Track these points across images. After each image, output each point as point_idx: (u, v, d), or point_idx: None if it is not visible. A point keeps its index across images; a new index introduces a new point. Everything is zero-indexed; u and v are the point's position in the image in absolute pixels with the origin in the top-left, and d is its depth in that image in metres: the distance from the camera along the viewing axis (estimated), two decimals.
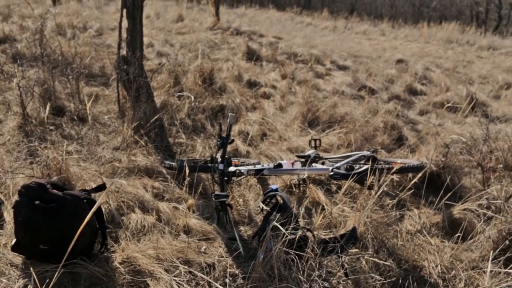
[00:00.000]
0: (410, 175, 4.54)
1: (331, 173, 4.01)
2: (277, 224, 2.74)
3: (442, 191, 3.96)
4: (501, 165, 4.73)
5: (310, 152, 4.55)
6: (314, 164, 4.37)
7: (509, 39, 23.17)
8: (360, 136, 5.34)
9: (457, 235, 3.57)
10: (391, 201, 3.92)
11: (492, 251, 3.17)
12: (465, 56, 15.12)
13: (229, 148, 4.93)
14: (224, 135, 3.84)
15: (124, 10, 5.61)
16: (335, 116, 5.99)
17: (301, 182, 4.23)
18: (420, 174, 4.13)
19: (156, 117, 4.97)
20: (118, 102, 5.55)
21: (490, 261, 2.94)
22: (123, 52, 5.68)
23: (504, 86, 9.89)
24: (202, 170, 4.07)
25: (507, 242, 3.40)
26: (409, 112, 7.10)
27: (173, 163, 4.23)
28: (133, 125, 4.72)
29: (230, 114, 3.89)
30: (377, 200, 3.86)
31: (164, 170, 4.29)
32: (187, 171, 3.78)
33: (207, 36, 11.01)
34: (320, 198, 3.97)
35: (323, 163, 4.44)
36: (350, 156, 4.56)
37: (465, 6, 34.03)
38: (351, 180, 3.74)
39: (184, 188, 4.01)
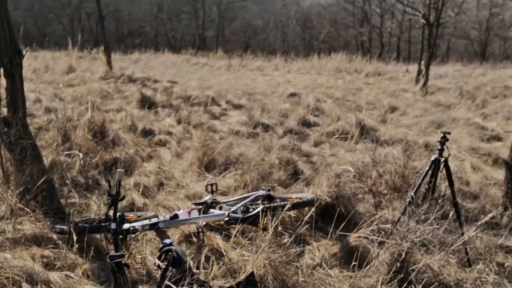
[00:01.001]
0: (306, 209, 4.66)
1: (227, 218, 4.02)
2: (169, 284, 2.67)
3: (337, 221, 4.10)
4: (386, 190, 4.99)
5: (207, 198, 4.53)
6: (211, 210, 4.36)
7: (391, 64, 24.93)
8: (256, 175, 5.42)
9: (354, 263, 3.68)
10: (289, 238, 3.98)
11: (387, 274, 3.31)
12: (354, 84, 16.01)
13: (124, 202, 4.80)
14: (114, 192, 3.73)
15: (1, 69, 5.35)
16: (231, 158, 6.06)
17: (200, 230, 4.19)
18: (313, 208, 4.25)
19: (44, 178, 4.73)
20: (1, 167, 5.23)
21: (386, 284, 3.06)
22: (3, 113, 5.39)
23: (389, 110, 10.56)
24: (95, 231, 3.91)
25: (398, 264, 3.57)
26: (304, 145, 7.35)
27: (65, 227, 4.03)
28: (18, 191, 4.45)
29: (118, 170, 3.79)
30: (275, 239, 3.91)
31: (55, 236, 4.07)
32: (76, 234, 3.62)
33: (99, 86, 10.80)
34: (219, 244, 3.95)
35: (220, 208, 4.44)
36: (246, 197, 4.60)
37: (351, 36, 36.25)
38: (245, 223, 3.77)
39: (77, 253, 3.82)
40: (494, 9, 36.73)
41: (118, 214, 3.75)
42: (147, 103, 9.14)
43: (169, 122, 8.07)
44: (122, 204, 4.77)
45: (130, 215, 4.37)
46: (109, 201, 3.69)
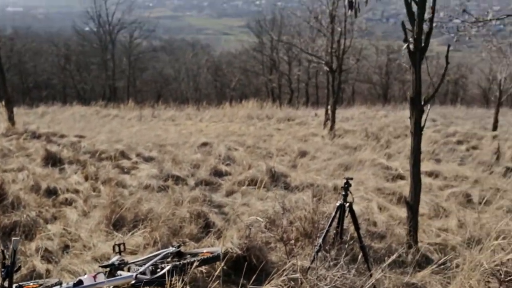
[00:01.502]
0: (218, 263, 4.60)
1: (133, 281, 3.87)
2: None
3: (249, 273, 4.06)
4: (298, 237, 5.06)
5: (115, 259, 4.36)
6: (119, 272, 4.19)
7: (301, 109, 25.83)
8: (166, 231, 5.30)
9: None
10: None
11: None
12: (265, 130, 16.35)
13: (24, 271, 4.51)
14: (8, 263, 3.49)
15: None
16: (140, 214, 5.89)
17: None
18: (222, 263, 4.21)
19: None
20: None
21: None
22: None
23: (299, 155, 10.84)
24: None
25: None
26: (216, 195, 7.32)
27: None
28: None
29: (13, 238, 3.57)
30: None
31: None
32: None
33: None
34: None
35: (128, 269, 4.28)
36: (156, 255, 4.47)
37: (261, 83, 37.28)
38: (152, 285, 3.66)
39: None
40: (392, 54, 39.49)
41: (14, 285, 3.51)
42: (52, 160, 8.75)
43: (75, 179, 7.76)
44: (22, 272, 4.47)
45: (30, 284, 4.09)
46: (3, 273, 3.45)
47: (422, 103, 4.74)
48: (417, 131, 4.72)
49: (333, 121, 14.61)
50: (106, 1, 38.34)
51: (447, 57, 4.65)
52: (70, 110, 23.45)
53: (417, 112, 4.69)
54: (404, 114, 22.19)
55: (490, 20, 9.16)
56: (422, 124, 4.75)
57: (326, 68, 14.97)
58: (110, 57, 38.35)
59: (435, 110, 23.44)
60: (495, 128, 17.50)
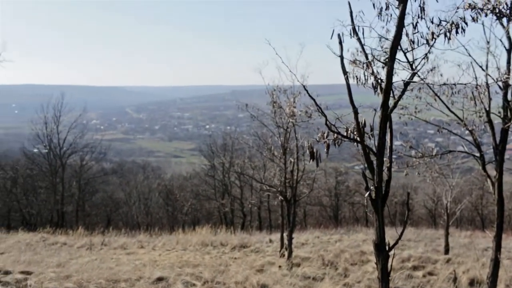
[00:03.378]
0: None
1: None
2: None
3: None
4: None
5: None
6: None
7: (255, 234, 25.70)
8: None
9: None
10: None
11: None
12: (221, 259, 16.05)
13: None
14: None
15: None
16: None
17: None
18: None
19: None
20: None
21: None
22: None
23: None
24: None
25: None
26: None
27: None
28: None
29: None
30: None
31: None
32: None
33: None
34: None
35: None
36: None
37: (213, 208, 37.16)
38: None
39: None
40: (339, 177, 40.84)
41: None
42: None
43: None
44: None
45: None
46: None
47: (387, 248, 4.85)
48: (384, 276, 4.77)
49: (291, 251, 14.58)
50: (58, 125, 38.32)
51: (407, 204, 4.86)
52: (15, 237, 22.38)
53: (383, 258, 4.78)
54: (357, 237, 22.49)
55: (435, 155, 9.82)
56: (388, 270, 4.81)
57: (280, 197, 15.22)
58: (60, 180, 37.56)
59: (387, 233, 23.86)
60: (447, 251, 17.98)
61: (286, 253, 14.94)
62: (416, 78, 6.72)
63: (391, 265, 4.76)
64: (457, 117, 9.78)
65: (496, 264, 9.60)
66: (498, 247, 9.62)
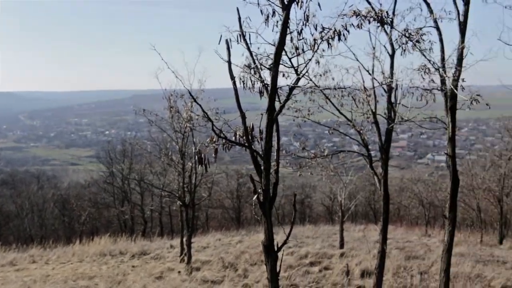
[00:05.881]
0: None
1: None
2: None
3: None
4: None
5: None
6: None
7: (156, 240, 25.23)
8: None
9: None
10: None
11: None
12: (119, 269, 15.57)
13: None
14: None
15: None
16: None
17: None
18: None
19: None
20: None
21: None
22: None
23: None
24: None
25: None
26: None
27: None
28: None
29: None
30: None
31: None
32: None
33: None
34: None
35: None
36: None
37: (113, 216, 35.93)
38: None
39: None
40: (241, 179, 41.26)
41: None
42: None
43: None
44: None
45: None
46: None
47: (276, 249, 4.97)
48: (273, 277, 4.88)
49: (190, 256, 14.48)
50: None
51: (294, 205, 5.01)
52: None
53: (271, 259, 4.89)
54: (258, 237, 22.84)
55: (327, 155, 10.24)
56: (277, 270, 4.93)
57: (179, 202, 15.09)
58: None
59: (286, 230, 24.44)
60: (341, 245, 18.84)
61: (186, 258, 14.82)
62: (304, 82, 6.97)
63: (280, 266, 4.89)
64: (346, 119, 10.22)
65: (382, 255, 10.18)
66: (384, 240, 10.21)
